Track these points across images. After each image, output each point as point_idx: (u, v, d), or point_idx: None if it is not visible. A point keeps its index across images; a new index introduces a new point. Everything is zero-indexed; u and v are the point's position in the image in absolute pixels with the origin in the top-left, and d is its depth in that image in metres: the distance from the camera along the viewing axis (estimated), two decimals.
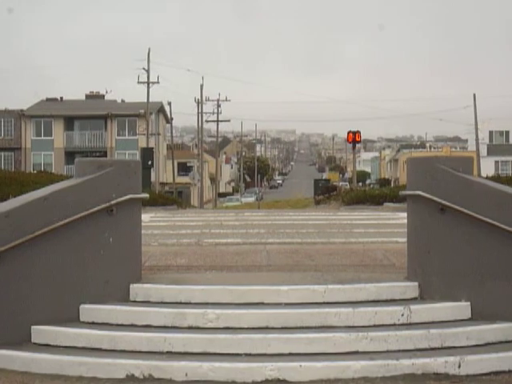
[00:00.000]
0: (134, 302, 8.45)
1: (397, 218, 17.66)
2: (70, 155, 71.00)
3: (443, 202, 8.32)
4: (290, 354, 7.47)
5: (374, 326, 7.92)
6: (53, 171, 50.20)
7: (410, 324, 7.99)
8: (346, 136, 39.52)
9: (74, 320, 8.12)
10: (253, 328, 7.84)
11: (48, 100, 79.69)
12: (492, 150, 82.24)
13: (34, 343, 7.92)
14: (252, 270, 9.77)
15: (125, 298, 8.46)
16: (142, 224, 9.20)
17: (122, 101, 79.87)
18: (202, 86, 76.38)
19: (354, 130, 36.33)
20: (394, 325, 7.96)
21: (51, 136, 74.08)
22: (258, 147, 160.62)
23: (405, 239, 9.24)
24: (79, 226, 8.23)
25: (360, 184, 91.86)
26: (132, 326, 7.98)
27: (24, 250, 7.92)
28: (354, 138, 36.15)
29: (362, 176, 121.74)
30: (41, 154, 73.57)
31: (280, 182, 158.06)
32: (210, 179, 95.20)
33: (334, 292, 8.37)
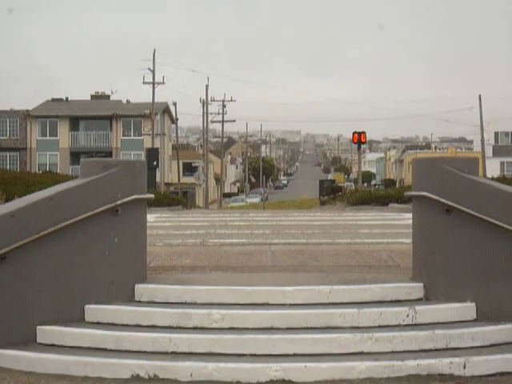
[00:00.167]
0: (139, 302, 8.46)
1: (402, 218, 17.65)
2: (75, 155, 71.04)
3: (448, 202, 8.31)
4: (295, 355, 7.48)
5: (379, 326, 7.92)
6: (58, 171, 50.27)
7: (415, 325, 7.99)
8: (351, 137, 39.51)
9: (79, 320, 8.14)
10: (258, 328, 7.84)
11: (53, 100, 79.80)
12: (497, 151, 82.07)
13: (40, 343, 7.93)
14: (257, 271, 9.77)
15: (130, 298, 8.47)
16: (147, 224, 9.20)
17: (128, 101, 79.94)
18: (207, 87, 76.44)
19: (360, 130, 36.33)
20: (399, 325, 7.96)
21: (56, 136, 74.21)
22: (263, 148, 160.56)
23: (410, 240, 9.24)
24: (84, 226, 8.24)
25: (365, 185, 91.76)
26: (137, 327, 7.99)
27: (29, 250, 7.93)
28: (359, 139, 36.11)
29: (368, 177, 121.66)
30: (46, 155, 73.67)
31: (285, 182, 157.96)
32: (215, 180, 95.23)
33: (339, 293, 8.36)
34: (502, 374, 7.26)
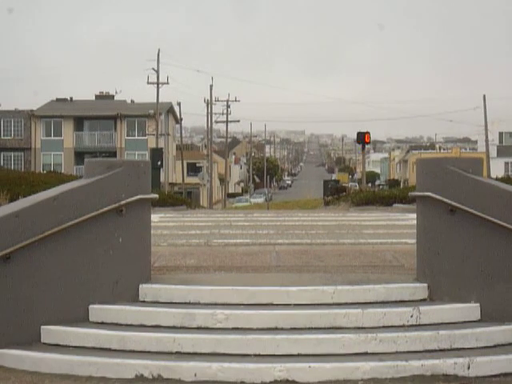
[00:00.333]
0: (144, 302, 8.47)
1: (406, 219, 17.65)
2: (79, 155, 71.15)
3: (453, 203, 8.30)
4: (299, 355, 7.48)
5: (383, 327, 7.91)
6: (62, 171, 50.41)
7: (419, 325, 7.98)
8: (355, 137, 39.52)
9: (83, 320, 8.15)
10: (262, 329, 7.84)
11: (58, 100, 79.86)
12: (502, 152, 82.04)
13: (44, 343, 7.94)
14: (261, 271, 9.77)
15: (134, 298, 8.47)
16: (152, 224, 9.22)
17: (132, 101, 79.97)
18: (211, 87, 76.42)
19: (364, 130, 36.32)
20: (403, 326, 7.95)
21: (61, 136, 74.27)
22: (267, 148, 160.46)
23: (414, 240, 9.23)
24: (89, 226, 8.25)
25: (369, 185, 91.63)
26: (141, 327, 7.99)
27: (34, 250, 7.94)
28: (363, 139, 36.11)
29: (372, 177, 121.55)
30: (50, 155, 73.75)
31: (289, 182, 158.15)
32: (219, 180, 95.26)
33: (343, 293, 8.36)
34: (506, 374, 7.25)
